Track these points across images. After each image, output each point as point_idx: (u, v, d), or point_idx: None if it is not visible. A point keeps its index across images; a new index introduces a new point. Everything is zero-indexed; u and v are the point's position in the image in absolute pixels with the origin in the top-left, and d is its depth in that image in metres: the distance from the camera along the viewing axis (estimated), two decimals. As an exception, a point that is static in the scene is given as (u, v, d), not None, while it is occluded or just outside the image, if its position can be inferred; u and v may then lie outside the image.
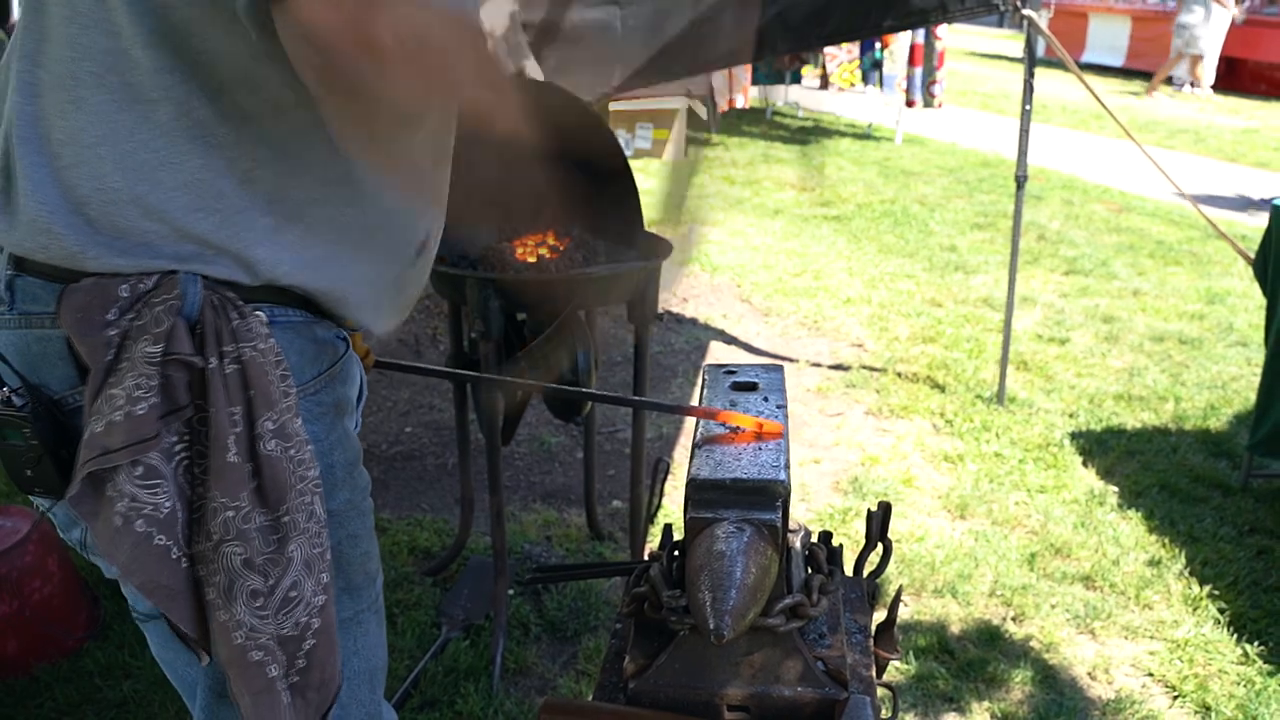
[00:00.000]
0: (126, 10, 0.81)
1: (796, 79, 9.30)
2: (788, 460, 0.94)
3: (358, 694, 1.04)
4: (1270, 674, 2.10)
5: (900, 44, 7.98)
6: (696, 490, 0.89)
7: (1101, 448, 3.10)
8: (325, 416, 0.97)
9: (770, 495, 0.89)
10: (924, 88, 7.93)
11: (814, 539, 1.11)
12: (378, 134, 0.94)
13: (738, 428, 0.99)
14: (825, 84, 8.72)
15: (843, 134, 8.73)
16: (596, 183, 2.22)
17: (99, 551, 0.87)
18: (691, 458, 0.95)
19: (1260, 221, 5.33)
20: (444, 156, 1.05)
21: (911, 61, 7.86)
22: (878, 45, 8.17)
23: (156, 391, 0.82)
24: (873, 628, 1.11)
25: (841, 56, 8.33)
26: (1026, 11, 2.89)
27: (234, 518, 0.84)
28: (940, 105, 8.09)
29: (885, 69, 8.41)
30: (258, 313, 0.88)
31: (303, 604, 0.88)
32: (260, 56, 0.83)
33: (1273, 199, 2.77)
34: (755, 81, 8.83)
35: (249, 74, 0.84)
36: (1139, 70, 12.28)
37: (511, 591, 2.32)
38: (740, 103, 8.74)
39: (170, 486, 0.84)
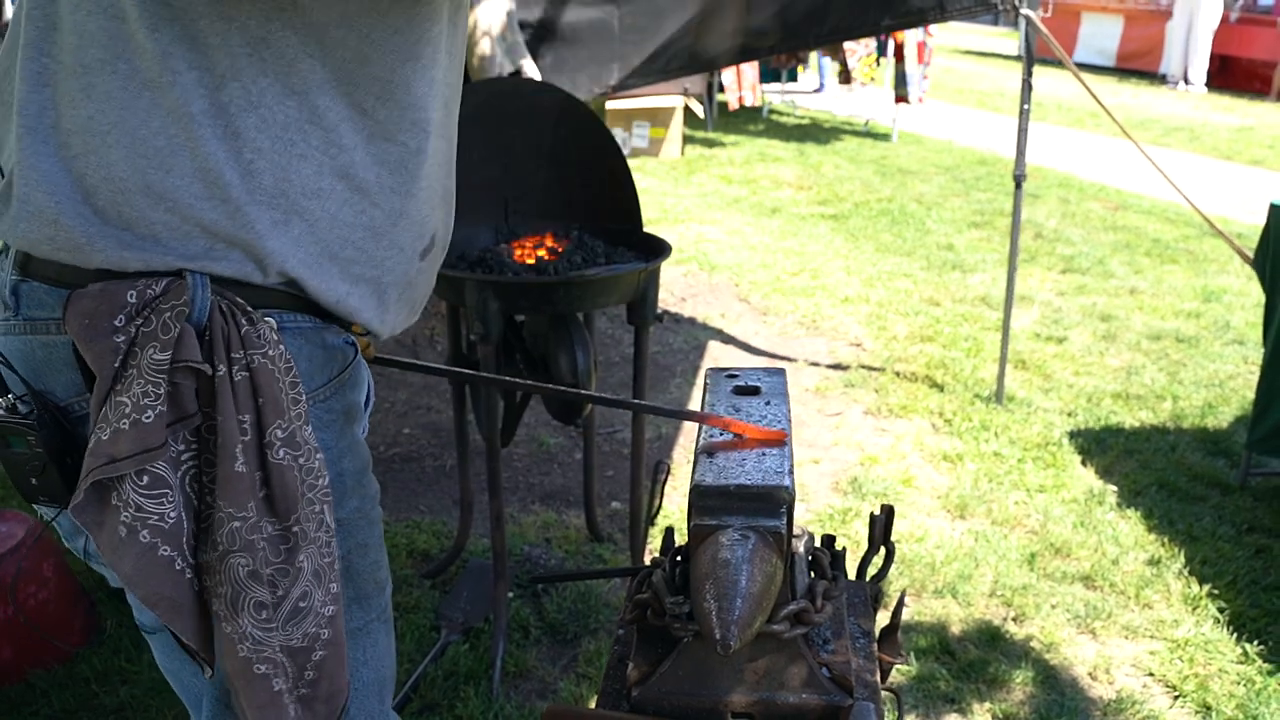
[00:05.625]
0: None
1: (793, 77, 9.30)
2: (791, 466, 0.93)
3: (366, 705, 1.02)
4: (1270, 673, 2.10)
5: (890, 41, 7.98)
6: (700, 497, 0.89)
7: (1100, 447, 3.10)
8: (335, 424, 0.96)
9: (775, 501, 0.88)
10: (899, 82, 7.92)
11: (817, 543, 1.11)
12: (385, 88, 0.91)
13: (740, 435, 0.98)
14: (848, 79, 8.63)
15: (840, 131, 8.73)
16: (594, 182, 2.22)
17: (103, 561, 0.86)
18: (695, 464, 0.94)
19: (1249, 218, 5.33)
20: (449, 153, 1.04)
21: (899, 58, 7.86)
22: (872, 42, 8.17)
23: (164, 399, 0.81)
24: (876, 632, 1.11)
25: (860, 50, 8.27)
26: (1025, 11, 2.88)
27: (240, 528, 0.83)
28: (921, 101, 8.08)
29: (881, 66, 8.42)
30: (267, 319, 0.87)
31: (312, 614, 0.87)
32: (267, 37, 0.82)
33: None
34: (763, 80, 8.82)
35: (253, 58, 0.83)
36: (1130, 69, 12.30)
37: (511, 594, 2.31)
38: (750, 100, 8.72)
39: (177, 496, 0.83)
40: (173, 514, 0.83)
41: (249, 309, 0.86)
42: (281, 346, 0.87)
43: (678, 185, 6.67)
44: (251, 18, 0.82)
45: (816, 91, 9.28)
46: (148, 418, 0.80)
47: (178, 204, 0.84)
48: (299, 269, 0.89)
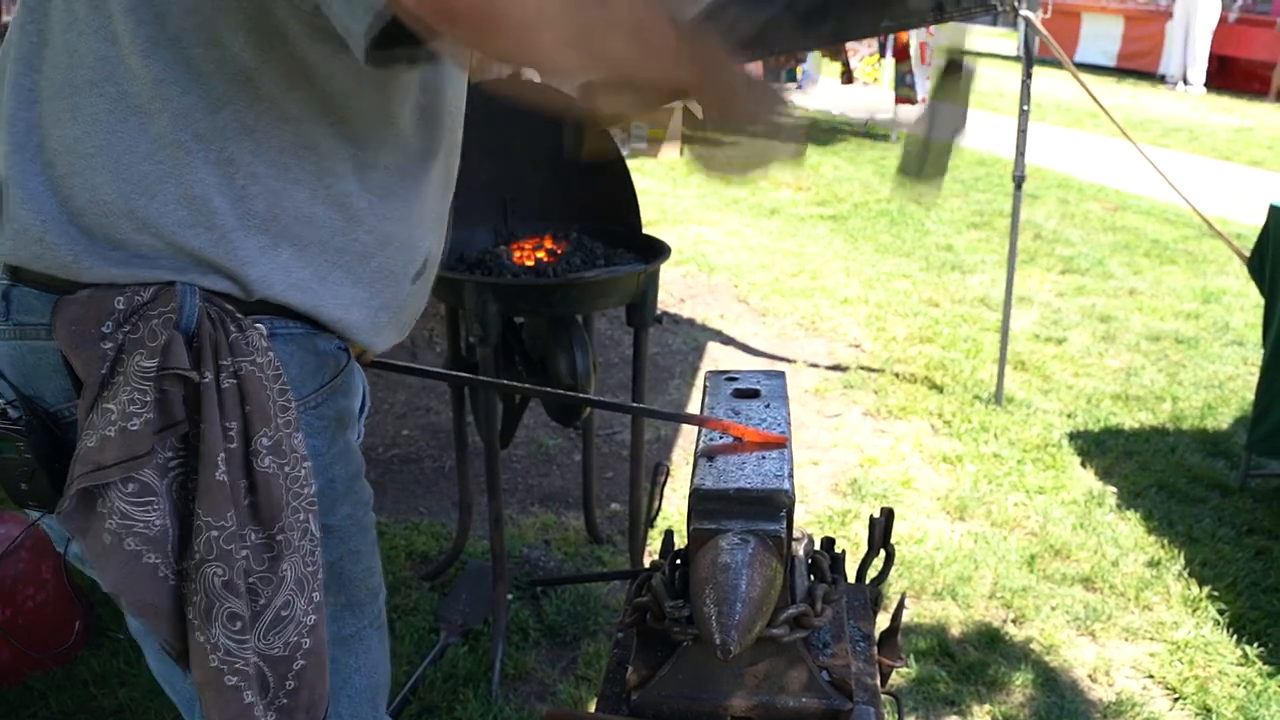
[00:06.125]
0: (124, 18, 0.80)
1: (792, 77, 9.28)
2: (791, 469, 0.93)
3: (360, 712, 1.02)
4: (1270, 675, 2.10)
5: (890, 42, 7.97)
6: (700, 501, 0.88)
7: (1099, 448, 3.10)
8: (326, 430, 0.95)
9: (774, 505, 0.88)
10: (899, 83, 7.92)
11: (816, 545, 1.11)
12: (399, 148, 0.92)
13: (740, 438, 0.98)
14: (850, 79, 8.60)
15: (839, 132, 8.73)
16: (593, 183, 2.22)
17: (89, 567, 0.86)
18: (694, 467, 0.94)
19: (1248, 218, 5.33)
20: (446, 177, 1.03)
21: (899, 58, 7.85)
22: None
23: (151, 407, 0.80)
24: (876, 635, 1.11)
25: (863, 50, 8.24)
26: (1024, 12, 2.88)
27: (218, 537, 0.82)
28: (924, 100, 8.07)
29: (881, 66, 8.42)
30: (257, 325, 0.87)
31: (294, 623, 0.87)
32: (260, 67, 0.82)
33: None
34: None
35: (248, 85, 0.83)
36: (1131, 70, 12.31)
37: (510, 596, 2.31)
38: None
39: (163, 504, 0.83)
40: (158, 522, 0.82)
41: (238, 316, 0.86)
42: (271, 354, 0.86)
43: (677, 186, 6.66)
44: (245, 50, 0.81)
45: (801, 88, 9.32)
46: (134, 425, 0.79)
47: (161, 230, 0.83)
48: (285, 295, 0.89)
